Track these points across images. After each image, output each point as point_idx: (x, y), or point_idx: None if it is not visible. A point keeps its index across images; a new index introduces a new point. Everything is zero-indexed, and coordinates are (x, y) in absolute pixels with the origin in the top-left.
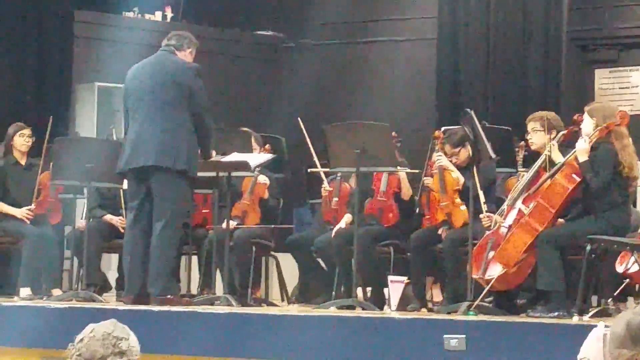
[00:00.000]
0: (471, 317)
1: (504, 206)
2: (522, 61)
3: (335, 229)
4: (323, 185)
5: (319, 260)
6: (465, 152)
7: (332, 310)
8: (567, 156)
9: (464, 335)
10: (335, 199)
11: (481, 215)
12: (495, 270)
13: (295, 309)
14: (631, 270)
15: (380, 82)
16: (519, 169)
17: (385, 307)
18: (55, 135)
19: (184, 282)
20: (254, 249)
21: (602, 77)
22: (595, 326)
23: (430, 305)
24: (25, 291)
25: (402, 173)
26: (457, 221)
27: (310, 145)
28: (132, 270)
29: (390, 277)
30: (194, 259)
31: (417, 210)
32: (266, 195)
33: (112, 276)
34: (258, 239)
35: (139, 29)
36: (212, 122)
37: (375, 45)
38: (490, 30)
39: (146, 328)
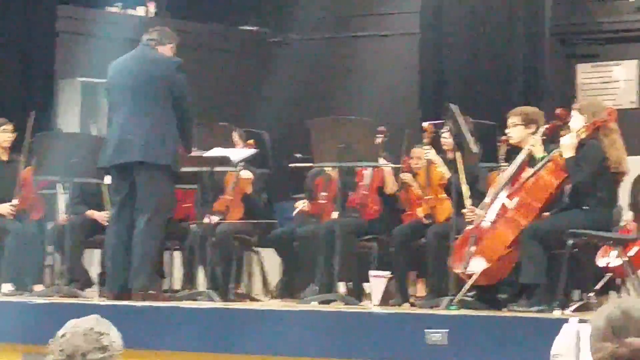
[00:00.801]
0: (453, 312)
1: (486, 200)
2: (505, 56)
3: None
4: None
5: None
6: None
7: (314, 305)
8: (553, 152)
9: (446, 330)
10: (324, 193)
11: (464, 210)
12: (478, 265)
13: (277, 304)
14: (612, 265)
15: (365, 77)
16: (501, 164)
17: (366, 301)
18: (38, 130)
19: (167, 277)
20: (236, 244)
21: (584, 72)
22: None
23: (412, 300)
24: (6, 287)
25: (387, 168)
26: (441, 215)
27: None
28: (114, 265)
29: (373, 272)
30: (177, 254)
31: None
32: (249, 190)
33: (94, 272)
34: (240, 234)
35: (123, 24)
36: (194, 116)
37: (360, 40)
38: (473, 25)
39: (128, 323)
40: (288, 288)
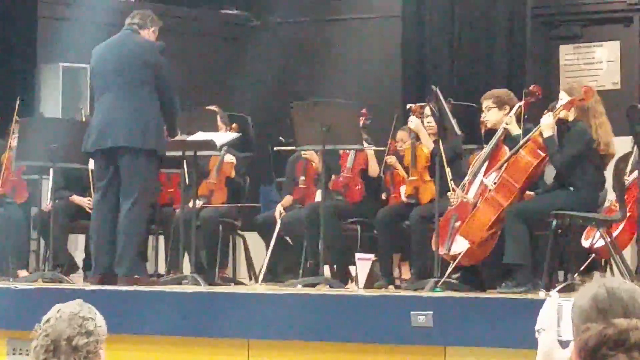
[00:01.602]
0: (438, 294)
1: (465, 180)
2: (487, 38)
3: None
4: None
5: (286, 237)
6: None
7: (299, 289)
8: (532, 131)
9: (431, 312)
10: (302, 177)
11: (449, 193)
12: (460, 246)
13: (262, 288)
14: (597, 245)
15: (346, 60)
16: (483, 145)
17: (352, 284)
18: (21, 116)
19: (152, 262)
20: (220, 228)
21: (567, 53)
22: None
23: (397, 282)
24: None
25: (370, 150)
26: (425, 197)
27: None
28: (98, 250)
29: (358, 255)
30: (161, 238)
31: (383, 193)
32: (233, 174)
33: (78, 257)
34: (225, 218)
35: (104, 8)
36: (178, 100)
37: (341, 23)
38: (455, 7)
39: (113, 308)
40: (272, 272)
